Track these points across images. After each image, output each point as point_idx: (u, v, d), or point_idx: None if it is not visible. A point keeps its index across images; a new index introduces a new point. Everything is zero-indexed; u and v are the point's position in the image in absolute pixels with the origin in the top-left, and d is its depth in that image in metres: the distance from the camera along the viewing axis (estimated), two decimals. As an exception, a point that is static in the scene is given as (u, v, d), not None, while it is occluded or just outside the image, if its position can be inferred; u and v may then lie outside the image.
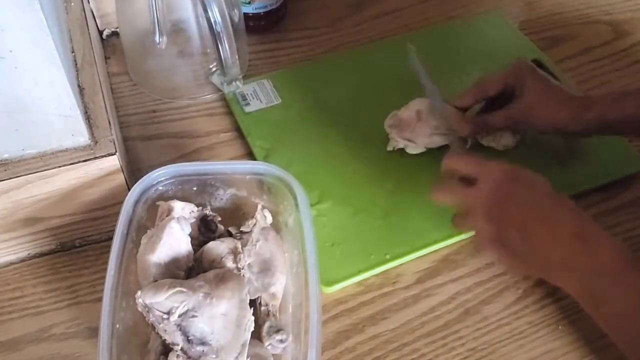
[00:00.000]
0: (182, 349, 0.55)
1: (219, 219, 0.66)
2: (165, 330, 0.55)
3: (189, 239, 0.62)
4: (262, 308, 0.62)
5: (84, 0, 0.83)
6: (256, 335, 0.59)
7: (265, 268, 0.63)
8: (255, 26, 0.92)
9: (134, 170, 0.76)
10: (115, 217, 0.62)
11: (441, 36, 0.93)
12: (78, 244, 0.71)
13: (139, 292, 0.56)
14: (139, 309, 0.56)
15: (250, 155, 0.79)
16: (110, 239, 0.60)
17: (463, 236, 0.71)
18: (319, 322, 0.56)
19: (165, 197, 0.65)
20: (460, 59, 0.90)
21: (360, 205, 0.73)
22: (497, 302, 0.67)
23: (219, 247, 0.62)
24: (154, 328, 0.56)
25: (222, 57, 0.76)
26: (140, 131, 0.82)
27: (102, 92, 0.69)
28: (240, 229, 0.65)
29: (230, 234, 0.66)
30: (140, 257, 0.61)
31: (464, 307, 0.67)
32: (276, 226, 0.67)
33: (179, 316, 0.55)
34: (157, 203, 0.65)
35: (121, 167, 0.66)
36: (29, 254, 0.70)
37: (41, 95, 0.60)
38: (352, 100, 0.84)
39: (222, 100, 0.85)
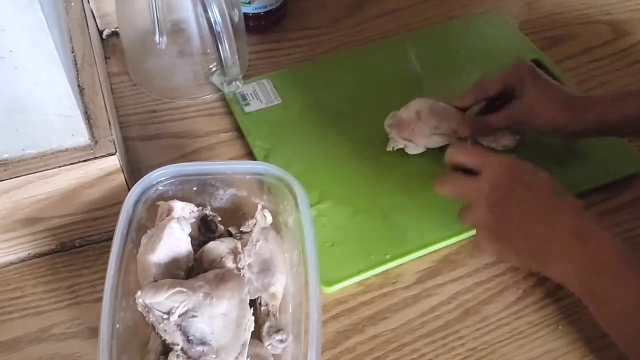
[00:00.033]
0: (182, 349, 0.55)
1: (219, 219, 0.66)
2: (165, 330, 0.55)
3: (189, 239, 0.62)
4: (262, 308, 0.62)
5: (84, 0, 0.83)
6: (256, 335, 0.59)
7: (265, 268, 0.63)
8: (255, 26, 0.92)
9: (134, 170, 0.76)
10: (115, 217, 0.62)
11: (441, 36, 0.93)
12: (78, 244, 0.71)
13: (139, 292, 0.56)
14: (139, 309, 0.56)
15: (250, 155, 0.79)
16: (110, 239, 0.60)
17: (463, 236, 0.71)
18: (319, 322, 0.56)
19: (165, 197, 0.65)
20: (460, 59, 0.90)
21: (360, 205, 0.73)
22: (497, 302, 0.67)
23: (219, 247, 0.62)
24: (154, 328, 0.56)
25: (222, 57, 0.76)
26: (140, 131, 0.82)
27: (102, 92, 0.69)
28: (240, 229, 0.65)
29: (230, 234, 0.66)
30: (140, 257, 0.61)
31: (464, 307, 0.67)
32: (276, 226, 0.67)
33: (179, 316, 0.55)
34: (157, 203, 0.65)
35: (121, 167, 0.66)
36: (29, 254, 0.70)
37: (41, 95, 0.60)
38: (352, 100, 0.84)
39: (222, 100, 0.85)
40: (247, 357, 0.56)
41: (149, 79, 0.86)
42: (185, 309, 0.55)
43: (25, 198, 0.64)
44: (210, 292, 0.56)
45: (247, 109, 0.82)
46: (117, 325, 0.56)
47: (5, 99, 0.59)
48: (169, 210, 0.63)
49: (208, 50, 0.82)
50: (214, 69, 0.84)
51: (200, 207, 0.65)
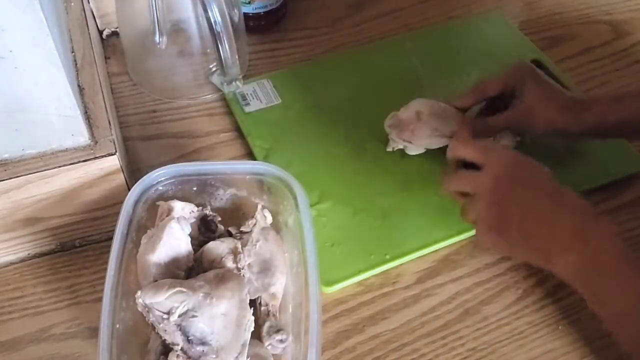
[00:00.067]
0: (182, 349, 0.55)
1: (219, 219, 0.66)
2: (165, 330, 0.55)
3: (189, 239, 0.62)
4: (262, 308, 0.62)
5: (84, 0, 0.83)
6: (256, 335, 0.59)
7: (265, 268, 0.63)
8: (255, 26, 0.92)
9: (134, 170, 0.76)
10: (115, 217, 0.62)
11: (441, 36, 0.93)
12: (78, 244, 0.71)
13: (139, 292, 0.56)
14: (139, 309, 0.56)
15: (250, 155, 0.79)
16: (110, 239, 0.60)
17: (463, 236, 0.71)
18: (319, 322, 0.56)
19: (165, 197, 0.65)
20: (460, 59, 0.90)
21: (360, 205, 0.73)
22: (497, 302, 0.67)
23: (219, 247, 0.62)
24: (154, 328, 0.56)
25: (222, 57, 0.76)
26: (140, 131, 0.82)
27: (102, 92, 0.69)
28: (240, 229, 0.65)
29: (230, 234, 0.66)
30: (140, 257, 0.61)
31: (464, 307, 0.67)
32: (276, 226, 0.67)
33: (179, 316, 0.55)
34: (157, 203, 0.65)
35: (121, 167, 0.66)
36: (29, 254, 0.70)
37: (41, 95, 0.60)
38: (352, 100, 0.84)
39: (222, 100, 0.85)
40: (247, 357, 0.56)
41: (149, 79, 0.86)
42: (185, 309, 0.55)
43: (25, 198, 0.64)
44: (210, 292, 0.56)
45: (247, 109, 0.82)
46: (117, 325, 0.56)
47: (5, 99, 0.59)
48: (169, 210, 0.63)
49: (208, 50, 0.82)
50: (214, 69, 0.84)
51: (200, 207, 0.65)
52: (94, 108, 0.67)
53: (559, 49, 0.93)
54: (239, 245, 0.62)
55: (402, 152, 0.77)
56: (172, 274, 0.60)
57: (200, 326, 0.55)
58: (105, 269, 0.58)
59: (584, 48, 0.94)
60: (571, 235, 0.58)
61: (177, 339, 0.55)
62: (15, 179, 0.62)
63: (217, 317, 0.56)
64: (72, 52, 0.71)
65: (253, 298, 0.61)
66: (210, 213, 0.65)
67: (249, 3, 0.89)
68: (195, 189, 0.67)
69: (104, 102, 0.68)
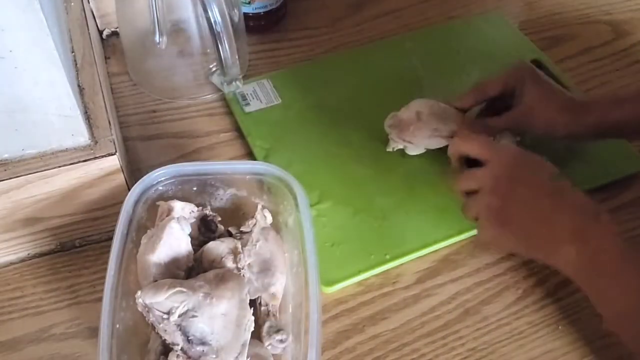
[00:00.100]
0: (182, 349, 0.55)
1: (219, 219, 0.66)
2: (165, 330, 0.55)
3: (189, 239, 0.62)
4: (262, 308, 0.62)
5: (84, 0, 0.83)
6: (256, 335, 0.59)
7: (265, 268, 0.63)
8: (255, 26, 0.92)
9: (134, 170, 0.76)
10: (115, 217, 0.62)
11: (441, 36, 0.93)
12: (78, 244, 0.71)
13: (139, 292, 0.56)
14: (139, 309, 0.56)
15: (250, 155, 0.79)
16: (110, 239, 0.60)
17: (463, 236, 0.71)
18: (319, 322, 0.56)
19: (165, 197, 0.65)
20: (460, 59, 0.90)
21: (360, 205, 0.73)
22: (497, 302, 0.67)
23: (219, 247, 0.62)
24: (154, 328, 0.56)
25: (222, 57, 0.76)
26: (140, 131, 0.82)
27: (102, 92, 0.69)
28: (240, 229, 0.65)
29: (230, 234, 0.66)
30: (140, 257, 0.61)
31: (464, 307, 0.67)
32: (276, 226, 0.67)
33: (179, 316, 0.55)
34: (157, 203, 0.65)
35: (121, 167, 0.66)
36: (29, 254, 0.70)
37: (41, 95, 0.60)
38: (352, 100, 0.84)
39: (222, 100, 0.85)
40: (247, 357, 0.56)
41: (149, 79, 0.86)
42: (185, 309, 0.55)
43: (25, 198, 0.64)
44: (210, 292, 0.56)
45: (247, 109, 0.82)
46: (117, 325, 0.56)
47: (5, 99, 0.59)
48: (169, 210, 0.63)
49: (208, 50, 0.82)
50: (214, 69, 0.84)
51: (200, 207, 0.65)
52: (94, 108, 0.67)
53: (559, 49, 0.93)
54: (239, 245, 0.62)
55: (402, 152, 0.77)
56: (172, 274, 0.60)
57: (200, 326, 0.55)
58: (105, 269, 0.58)
59: (584, 48, 0.94)
60: (571, 235, 0.58)
61: (177, 339, 0.55)
62: (15, 179, 0.62)
63: (217, 317, 0.56)
64: (72, 52, 0.71)
65: (253, 298, 0.61)
66: (210, 213, 0.65)
67: (249, 3, 0.89)
68: (195, 189, 0.67)
69: (104, 102, 0.68)
